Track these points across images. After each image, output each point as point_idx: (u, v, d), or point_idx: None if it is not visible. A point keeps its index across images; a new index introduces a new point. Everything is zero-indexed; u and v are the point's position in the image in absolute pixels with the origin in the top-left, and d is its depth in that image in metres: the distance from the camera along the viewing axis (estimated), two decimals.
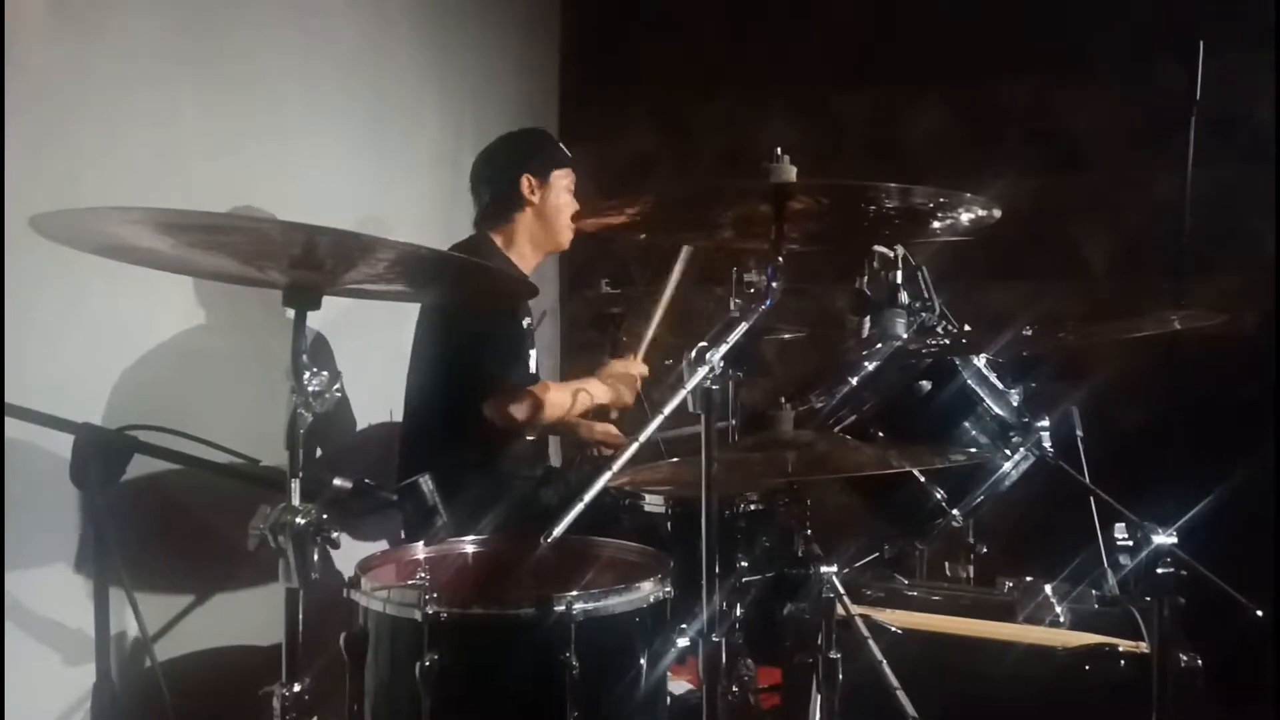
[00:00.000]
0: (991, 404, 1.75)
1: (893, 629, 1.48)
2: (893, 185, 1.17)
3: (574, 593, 1.25)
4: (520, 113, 2.96)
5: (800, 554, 1.43)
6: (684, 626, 1.30)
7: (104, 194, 1.65)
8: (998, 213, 1.26)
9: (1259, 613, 1.43)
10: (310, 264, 1.13)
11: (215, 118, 1.93)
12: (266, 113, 2.07)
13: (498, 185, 2.20)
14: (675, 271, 2.17)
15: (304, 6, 2.19)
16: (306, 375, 1.14)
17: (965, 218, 1.29)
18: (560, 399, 2.07)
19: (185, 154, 1.86)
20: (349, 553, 1.28)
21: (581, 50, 3.37)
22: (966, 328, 1.82)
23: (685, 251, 2.14)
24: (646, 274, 3.17)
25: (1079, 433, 1.83)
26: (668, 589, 1.35)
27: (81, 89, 1.66)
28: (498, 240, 2.19)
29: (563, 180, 2.24)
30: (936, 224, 1.33)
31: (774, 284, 1.21)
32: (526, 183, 2.19)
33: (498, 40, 3.02)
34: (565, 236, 2.25)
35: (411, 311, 2.17)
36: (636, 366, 2.20)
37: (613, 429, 2.36)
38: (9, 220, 1.50)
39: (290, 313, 1.19)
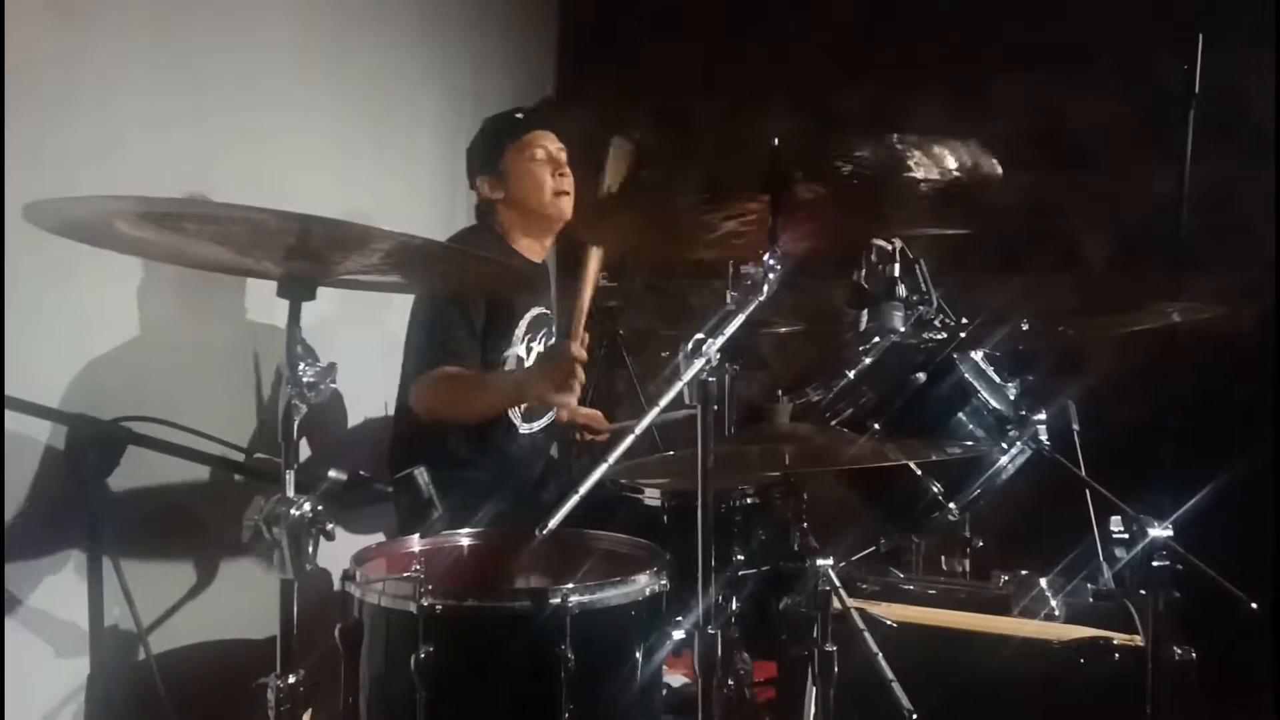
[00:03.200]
0: (988, 398, 1.74)
1: (888, 622, 1.48)
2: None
3: (569, 585, 1.25)
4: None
5: (796, 547, 1.43)
6: (680, 619, 1.30)
7: (99, 189, 1.63)
8: (994, 166, 1.23)
9: (1254, 606, 1.44)
10: (305, 254, 1.12)
11: (211, 113, 1.92)
12: (262, 107, 2.06)
13: (477, 196, 2.16)
14: (590, 273, 1.86)
15: (299, 1, 2.18)
16: (301, 366, 1.14)
17: (951, 161, 1.25)
18: (453, 392, 1.89)
19: (180, 149, 1.85)
20: (344, 545, 1.28)
21: (579, 44, 3.36)
22: (964, 321, 1.82)
23: (595, 253, 1.87)
24: (645, 268, 3.18)
25: (1075, 427, 1.84)
26: (663, 582, 1.34)
27: (76, 85, 1.65)
28: (498, 229, 2.14)
29: (520, 156, 2.06)
30: (921, 175, 1.28)
31: (771, 275, 1.20)
32: (485, 185, 2.11)
33: (496, 37, 3.01)
34: (553, 209, 2.06)
35: (407, 302, 2.16)
36: (569, 350, 1.79)
37: (597, 414, 2.33)
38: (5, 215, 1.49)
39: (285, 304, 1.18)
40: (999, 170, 1.27)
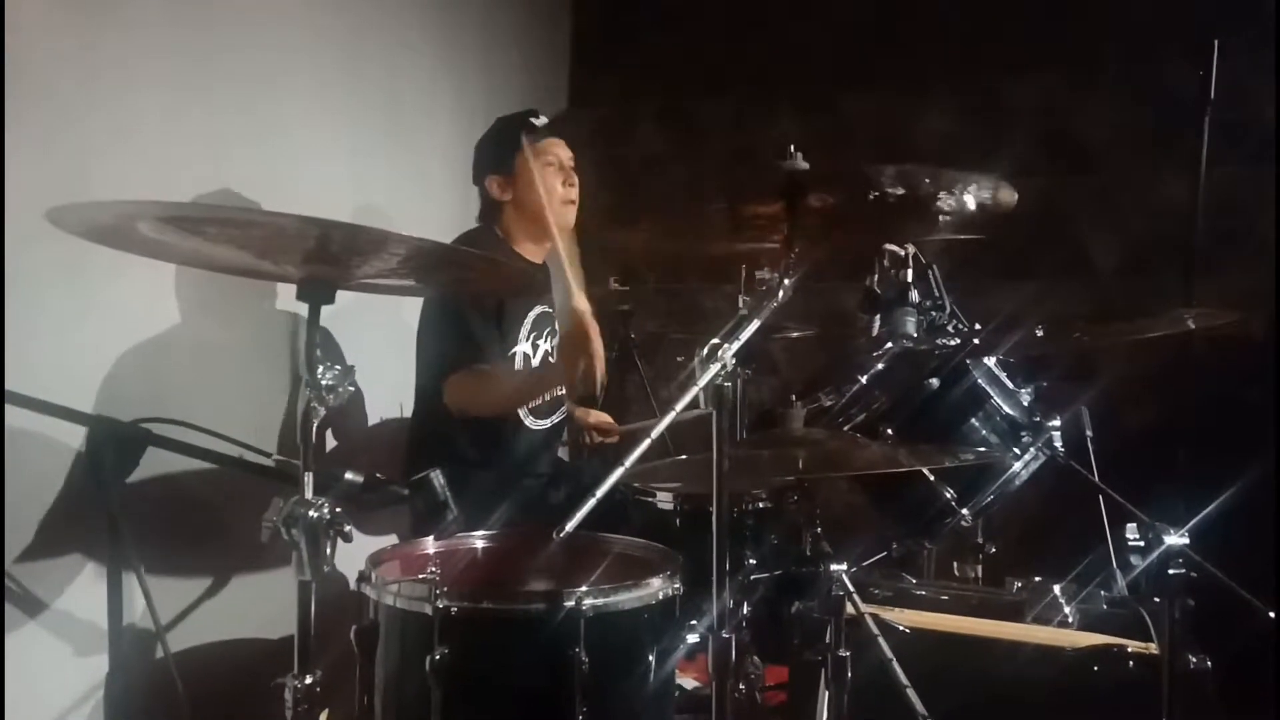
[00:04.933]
0: (1002, 403, 1.75)
1: (900, 628, 1.48)
2: (895, 168, 1.17)
3: (584, 588, 1.25)
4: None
5: (809, 552, 1.43)
6: (693, 623, 1.31)
7: (114, 187, 1.66)
8: (1012, 197, 1.25)
9: (1270, 614, 1.43)
10: (324, 258, 1.14)
11: (225, 112, 1.94)
12: (276, 106, 2.08)
13: (479, 194, 2.19)
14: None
15: (314, 1, 2.20)
16: (320, 369, 1.15)
17: (972, 201, 1.27)
18: (487, 389, 1.95)
19: (195, 148, 1.86)
20: (359, 546, 1.29)
21: (591, 45, 3.38)
22: (977, 326, 1.82)
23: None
24: (654, 272, 3.18)
25: (1089, 433, 1.83)
26: (677, 585, 1.35)
27: (90, 83, 1.67)
28: (499, 232, 2.17)
29: (533, 160, 2.06)
30: (944, 209, 1.30)
31: (786, 281, 1.21)
32: (494, 185, 2.13)
33: (508, 38, 3.02)
34: (561, 218, 2.09)
35: (419, 304, 2.17)
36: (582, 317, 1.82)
37: (605, 416, 2.33)
38: (21, 214, 1.51)
39: (304, 306, 1.19)
40: (1015, 198, 1.28)
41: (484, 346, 1.99)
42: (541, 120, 2.14)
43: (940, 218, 1.31)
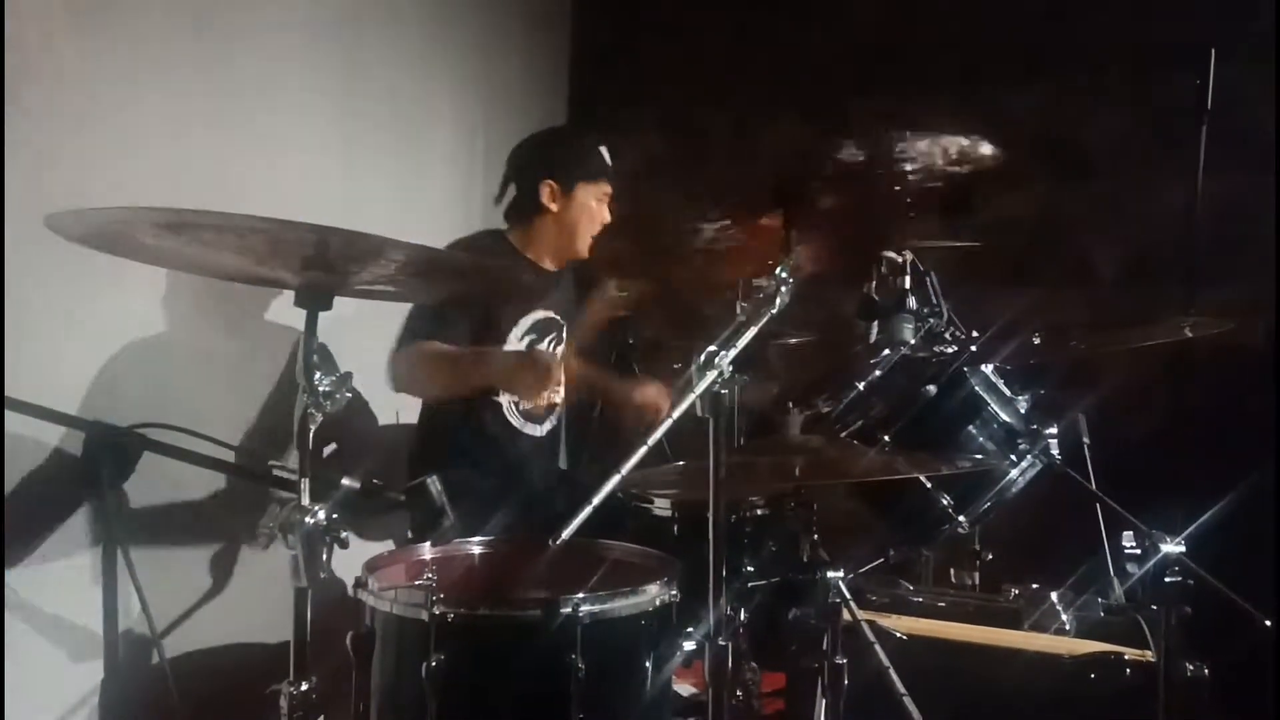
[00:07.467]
0: (999, 411, 1.75)
1: (897, 634, 1.48)
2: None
3: (580, 595, 1.25)
4: (531, 116, 2.97)
5: (806, 559, 1.43)
6: (690, 630, 1.31)
7: (115, 194, 1.66)
8: (986, 148, 1.23)
9: (1267, 623, 1.43)
10: (322, 265, 1.14)
11: (226, 119, 1.94)
12: (276, 113, 2.08)
13: (521, 184, 2.15)
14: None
15: (314, 8, 2.20)
16: (317, 375, 1.15)
17: (938, 156, 1.25)
18: (428, 364, 1.91)
19: (196, 155, 1.87)
20: (356, 552, 1.29)
21: (590, 54, 3.38)
22: (974, 334, 1.82)
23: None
24: (653, 278, 3.18)
25: (1085, 440, 1.83)
26: (674, 592, 1.35)
27: (92, 91, 1.67)
28: (514, 238, 2.17)
29: (590, 194, 2.13)
30: (911, 165, 1.27)
31: (784, 287, 1.21)
32: (548, 189, 2.12)
33: (508, 47, 3.03)
34: (584, 247, 2.17)
35: None
36: (551, 364, 1.85)
37: (657, 394, 2.22)
38: (20, 219, 1.51)
39: (301, 313, 1.20)
40: (989, 148, 1.26)
41: (447, 326, 1.95)
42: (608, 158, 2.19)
43: (917, 180, 1.29)
